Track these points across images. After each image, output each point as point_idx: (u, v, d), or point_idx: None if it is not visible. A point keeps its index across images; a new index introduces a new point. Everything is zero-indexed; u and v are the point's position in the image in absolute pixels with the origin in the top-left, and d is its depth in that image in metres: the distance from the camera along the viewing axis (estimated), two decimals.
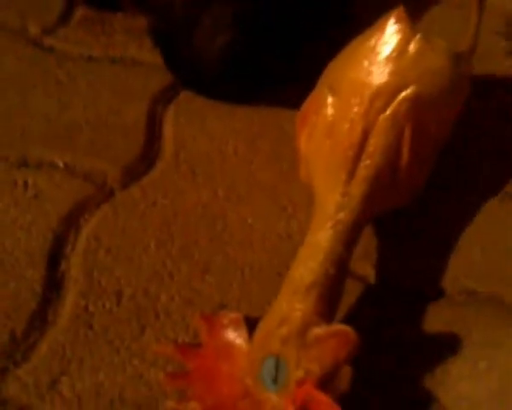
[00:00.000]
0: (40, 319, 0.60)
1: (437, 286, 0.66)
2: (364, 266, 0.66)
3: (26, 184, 0.72)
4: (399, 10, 0.71)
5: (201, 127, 0.82)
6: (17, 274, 0.63)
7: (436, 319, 0.62)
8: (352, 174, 0.60)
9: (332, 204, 0.59)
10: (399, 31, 0.68)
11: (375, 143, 0.62)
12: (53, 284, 0.63)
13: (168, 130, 0.81)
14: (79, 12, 0.99)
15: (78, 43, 0.93)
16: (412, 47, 0.67)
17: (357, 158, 0.61)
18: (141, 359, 0.57)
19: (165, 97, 0.86)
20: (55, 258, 0.65)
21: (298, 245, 0.60)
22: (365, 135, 0.62)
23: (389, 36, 0.68)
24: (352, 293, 0.63)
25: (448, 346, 0.60)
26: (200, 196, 0.73)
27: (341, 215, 0.58)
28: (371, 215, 0.64)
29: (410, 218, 0.70)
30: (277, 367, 0.48)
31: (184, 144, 0.79)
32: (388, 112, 0.63)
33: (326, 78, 0.71)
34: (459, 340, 0.60)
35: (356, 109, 0.63)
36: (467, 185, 0.77)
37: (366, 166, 0.61)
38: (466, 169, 0.78)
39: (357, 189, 0.59)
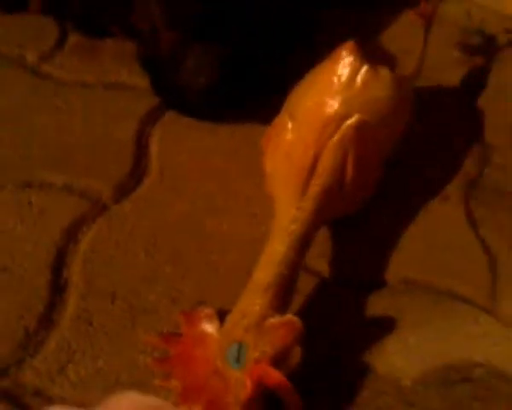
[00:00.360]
0: (48, 318, 0.69)
1: (381, 277, 0.76)
2: (320, 263, 0.77)
3: (30, 203, 0.81)
4: (350, 43, 0.80)
5: (183, 145, 0.91)
6: (26, 282, 0.72)
7: (378, 306, 0.73)
8: (304, 191, 0.71)
9: (287, 217, 0.69)
10: (349, 64, 0.78)
11: (324, 165, 0.72)
12: (57, 289, 0.72)
13: (154, 148, 0.91)
14: (72, 39, 1.07)
15: (72, 70, 1.02)
16: (359, 79, 0.76)
17: (309, 178, 0.71)
18: (133, 348, 0.67)
19: (151, 119, 0.95)
20: (58, 267, 0.74)
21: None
22: (316, 158, 0.72)
23: (341, 68, 0.78)
24: (309, 285, 0.74)
25: (385, 327, 0.71)
26: (183, 208, 0.83)
27: (294, 227, 0.68)
28: (322, 223, 0.74)
29: (360, 220, 0.80)
30: (240, 351, 0.59)
31: (168, 161, 0.89)
32: (336, 138, 0.73)
33: (287, 104, 0.80)
34: (394, 322, 0.71)
35: (309, 136, 0.74)
36: (410, 190, 0.87)
37: (316, 184, 0.71)
38: (410, 175, 0.88)
39: (309, 204, 0.70)
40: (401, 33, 1.08)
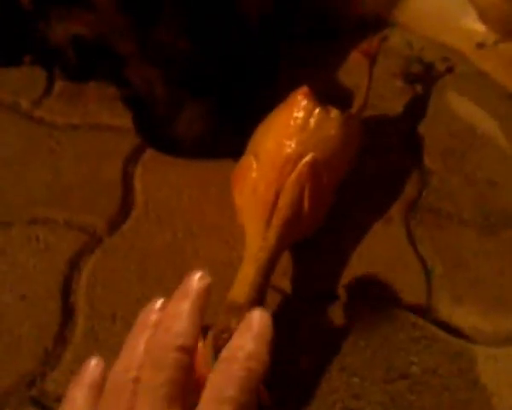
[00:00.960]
0: (62, 337, 0.82)
1: (334, 291, 0.90)
2: (283, 281, 0.89)
3: (37, 238, 0.95)
4: (304, 88, 0.91)
5: (163, 179, 1.04)
6: (41, 307, 0.86)
7: (332, 316, 0.86)
8: (268, 224, 0.80)
9: (255, 246, 0.79)
10: (303, 107, 0.86)
11: (284, 201, 0.81)
12: (67, 312, 0.85)
13: (138, 184, 1.04)
14: (59, 85, 1.21)
15: (61, 114, 1.15)
16: (312, 121, 0.85)
17: (271, 212, 0.81)
18: None
19: (134, 157, 1.08)
20: (66, 293, 0.88)
21: (237, 269, 0.82)
22: (278, 194, 0.81)
23: (296, 111, 0.86)
24: (275, 300, 0.87)
25: (339, 333, 0.84)
26: (165, 238, 0.96)
27: (261, 254, 0.78)
28: (284, 249, 0.86)
29: (315, 241, 0.91)
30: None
31: (151, 195, 1.02)
32: (293, 176, 0.82)
33: (251, 144, 0.88)
34: (347, 328, 0.85)
35: (271, 174, 0.82)
36: (357, 212, 0.98)
37: (278, 217, 0.80)
38: (357, 199, 0.99)
39: (272, 234, 0.80)
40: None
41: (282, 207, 0.82)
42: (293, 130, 0.85)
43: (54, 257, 0.92)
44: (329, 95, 1.04)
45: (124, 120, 1.12)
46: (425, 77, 1.26)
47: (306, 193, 0.83)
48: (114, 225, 0.97)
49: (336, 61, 1.27)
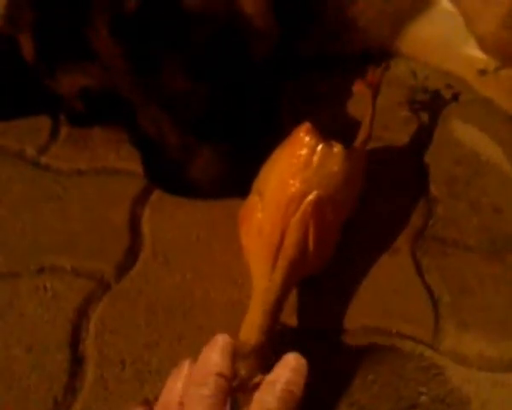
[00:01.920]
0: (72, 387, 0.82)
1: (342, 325, 0.89)
2: (290, 317, 0.89)
3: (45, 287, 0.93)
4: (306, 125, 0.89)
5: (171, 221, 1.03)
6: (50, 358, 0.85)
7: (340, 350, 0.86)
8: (274, 266, 0.80)
9: (262, 288, 0.80)
10: (306, 144, 0.84)
11: (289, 241, 0.81)
12: (76, 361, 0.84)
13: (146, 227, 1.03)
14: (64, 131, 1.20)
15: (67, 159, 1.14)
16: (315, 158, 0.84)
17: (277, 253, 0.81)
18: None
19: (141, 200, 1.07)
20: (75, 342, 0.87)
21: (246, 308, 0.81)
22: (283, 234, 0.81)
23: (299, 149, 0.85)
24: (282, 337, 0.85)
25: (346, 368, 0.84)
26: (174, 280, 0.95)
27: (268, 296, 0.79)
28: (291, 288, 0.85)
29: (321, 275, 0.91)
30: (234, 406, 0.71)
31: (159, 237, 1.01)
32: (298, 215, 0.81)
33: (256, 183, 0.87)
34: (354, 363, 0.84)
35: (276, 214, 0.82)
36: (365, 244, 0.98)
37: (283, 258, 0.80)
38: (364, 231, 0.99)
39: (278, 276, 0.80)
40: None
41: (287, 247, 0.81)
42: (296, 168, 0.84)
43: (62, 306, 0.91)
44: (333, 127, 1.09)
45: (130, 163, 1.12)
46: (430, 105, 1.25)
47: (311, 232, 0.82)
48: (122, 270, 0.96)
49: (340, 92, 1.26)
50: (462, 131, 1.19)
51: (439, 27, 1.31)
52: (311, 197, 0.83)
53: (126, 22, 0.95)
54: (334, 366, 0.84)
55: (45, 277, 0.95)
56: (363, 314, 0.89)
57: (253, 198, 0.86)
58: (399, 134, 1.17)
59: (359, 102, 1.12)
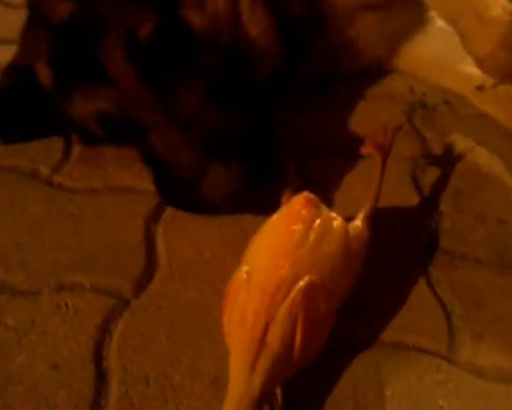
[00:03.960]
0: (97, 403, 0.81)
1: (357, 340, 0.88)
2: None
3: (66, 305, 0.92)
4: (304, 196, 0.82)
5: (184, 238, 1.03)
6: (75, 375, 0.84)
7: (357, 364, 0.85)
8: (254, 365, 0.71)
9: (238, 392, 0.71)
10: (302, 219, 0.79)
11: (274, 334, 0.72)
12: (100, 378, 0.84)
13: (160, 244, 1.03)
14: (76, 150, 1.21)
15: (80, 178, 1.15)
16: (312, 235, 0.77)
17: (259, 349, 0.72)
18: None
19: (155, 216, 1.08)
20: (98, 359, 0.86)
21: None
22: (266, 327, 0.72)
23: (294, 223, 0.78)
24: None
25: (363, 382, 0.83)
26: (191, 295, 0.94)
27: (243, 403, 0.70)
28: (273, 391, 0.75)
29: None
30: None
31: (174, 254, 1.01)
32: (285, 304, 0.73)
33: (246, 255, 0.81)
34: (371, 377, 0.84)
35: (261, 301, 0.74)
36: (377, 265, 0.96)
37: (266, 355, 0.71)
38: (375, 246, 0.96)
39: (258, 379, 0.71)
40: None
41: (271, 342, 0.72)
42: (289, 246, 0.77)
43: (83, 323, 0.90)
44: (334, 143, 1.13)
45: (141, 181, 1.12)
46: (429, 121, 1.26)
47: (300, 325, 0.73)
48: (140, 286, 0.96)
49: (341, 108, 1.28)
50: (462, 145, 1.20)
51: (435, 45, 1.33)
52: (302, 284, 0.74)
53: (141, 47, 0.96)
54: (350, 380, 0.83)
55: (65, 294, 0.94)
56: (378, 328, 0.88)
57: (239, 274, 0.79)
58: (400, 148, 1.15)
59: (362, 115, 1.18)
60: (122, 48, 0.96)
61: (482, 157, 1.16)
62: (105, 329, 0.89)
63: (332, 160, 1.15)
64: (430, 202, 1.07)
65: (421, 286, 0.93)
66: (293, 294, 0.73)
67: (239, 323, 0.74)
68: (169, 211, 1.07)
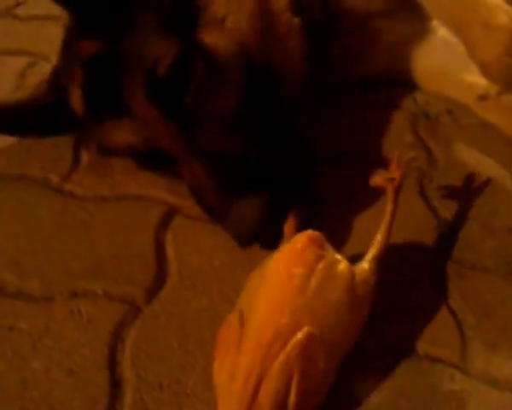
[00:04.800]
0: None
1: (369, 349, 0.87)
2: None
3: (79, 311, 0.93)
4: (308, 234, 0.76)
5: (194, 245, 1.03)
6: (90, 381, 0.84)
7: (369, 373, 0.85)
8: None
9: None
10: (304, 262, 0.72)
11: (267, 392, 0.66)
12: (115, 384, 0.83)
13: (170, 252, 1.03)
14: (85, 159, 1.21)
15: (90, 187, 1.15)
16: (313, 280, 0.71)
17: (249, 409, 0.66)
18: None
19: (164, 224, 1.08)
20: (112, 365, 0.86)
21: None
22: (259, 383, 0.66)
23: (295, 265, 0.72)
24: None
25: (376, 391, 0.83)
26: (202, 302, 0.94)
27: None
28: None
29: None
30: None
31: (184, 262, 1.01)
32: (281, 357, 0.67)
33: (242, 297, 0.78)
34: (384, 386, 0.83)
35: (256, 353, 0.68)
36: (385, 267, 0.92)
37: None
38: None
39: None
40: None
41: (262, 401, 0.66)
42: (288, 291, 0.70)
43: (97, 329, 0.90)
44: (337, 153, 1.13)
45: (150, 189, 1.13)
46: (432, 131, 1.25)
47: (295, 382, 0.66)
48: (151, 293, 0.96)
49: (343, 119, 1.29)
50: (467, 155, 1.19)
51: (437, 55, 1.33)
52: (299, 336, 0.68)
53: (160, 83, 0.95)
54: (362, 389, 0.83)
55: (79, 301, 0.94)
56: (390, 337, 0.88)
57: (233, 320, 0.74)
58: (405, 158, 1.15)
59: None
60: (142, 86, 0.95)
61: (486, 166, 1.16)
62: (118, 335, 0.89)
63: (336, 171, 1.16)
64: (437, 211, 1.06)
65: (431, 295, 0.93)
66: (289, 347, 0.67)
67: (228, 379, 0.69)
68: (178, 219, 1.08)
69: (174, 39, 0.95)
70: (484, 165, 1.16)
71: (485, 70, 1.11)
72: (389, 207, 0.83)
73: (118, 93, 0.96)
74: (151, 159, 1.03)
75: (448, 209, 1.06)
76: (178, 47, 0.95)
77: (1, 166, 1.18)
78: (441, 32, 1.29)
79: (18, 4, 1.70)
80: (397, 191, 0.83)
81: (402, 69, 1.36)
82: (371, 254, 0.79)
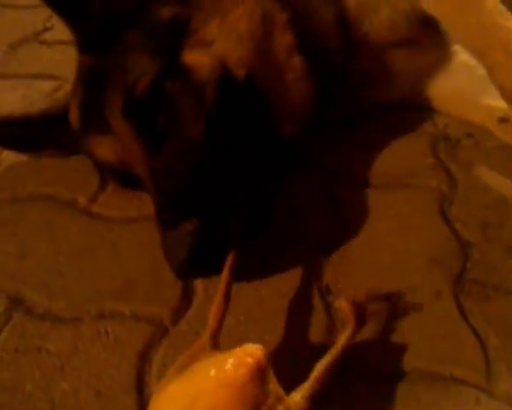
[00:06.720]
0: None
1: (394, 369, 0.86)
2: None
3: (106, 332, 0.91)
4: (254, 355, 0.67)
5: None
6: (118, 402, 0.82)
7: (394, 394, 0.83)
8: None
9: None
10: (245, 399, 0.63)
11: None
12: (143, 405, 0.81)
13: None
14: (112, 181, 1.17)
15: (117, 208, 1.13)
16: None
17: None
18: None
19: None
20: (140, 386, 0.84)
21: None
22: None
23: (235, 399, 0.63)
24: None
25: None
26: (229, 322, 0.90)
27: None
28: None
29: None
30: None
31: (210, 281, 0.98)
32: None
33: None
34: (413, 408, 0.81)
35: None
36: (407, 288, 0.95)
37: None
38: (404, 274, 0.97)
39: None
40: None
41: None
42: None
43: (124, 350, 0.88)
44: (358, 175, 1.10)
45: None
46: (452, 153, 1.22)
47: None
48: (178, 313, 0.94)
49: (363, 141, 1.27)
50: (488, 177, 1.17)
51: (458, 79, 1.31)
52: None
53: (137, 102, 0.95)
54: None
55: (106, 322, 0.92)
56: (415, 358, 0.86)
57: None
58: (428, 180, 1.15)
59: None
60: (120, 101, 0.95)
61: (508, 188, 1.14)
62: (145, 356, 0.87)
63: (356, 192, 1.14)
64: (458, 233, 1.03)
65: (453, 316, 0.91)
66: None
67: None
68: None
69: (158, 58, 0.96)
70: (504, 186, 1.14)
71: (504, 93, 1.08)
72: (340, 337, 0.79)
73: (100, 111, 0.96)
74: (126, 181, 1.03)
75: (469, 231, 1.04)
76: (160, 66, 0.95)
77: (29, 187, 1.17)
78: (462, 56, 1.28)
79: (45, 29, 1.68)
80: (357, 323, 0.81)
81: (422, 93, 1.35)
82: (307, 388, 0.70)
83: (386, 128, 1.29)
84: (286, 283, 0.94)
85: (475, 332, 0.88)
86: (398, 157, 1.20)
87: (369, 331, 0.87)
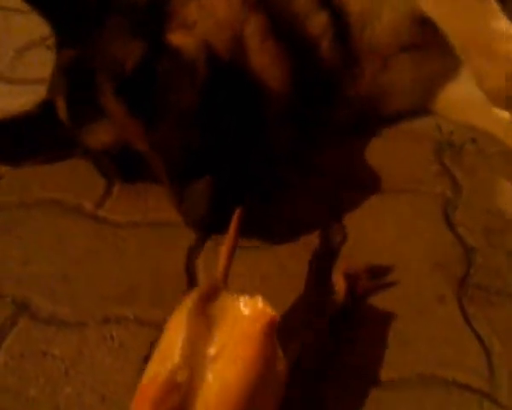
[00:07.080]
0: None
1: (397, 374, 0.85)
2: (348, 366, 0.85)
3: (111, 336, 0.90)
4: (269, 318, 0.74)
5: None
6: (123, 407, 0.80)
7: (397, 399, 0.82)
8: None
9: None
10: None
11: None
12: None
13: (201, 277, 1.01)
14: (117, 186, 1.19)
15: (123, 212, 1.13)
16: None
17: None
18: None
19: (195, 249, 1.05)
20: None
21: None
22: None
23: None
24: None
25: None
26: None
27: None
28: None
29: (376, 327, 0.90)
30: None
31: None
32: None
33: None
34: None
35: None
36: (409, 292, 0.95)
37: None
38: (408, 278, 0.97)
39: None
40: None
41: None
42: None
43: (129, 355, 0.88)
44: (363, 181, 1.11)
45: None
46: (457, 161, 1.22)
47: None
48: None
49: (369, 146, 1.26)
50: (491, 183, 1.16)
51: (464, 86, 1.30)
52: None
53: (127, 82, 0.98)
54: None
55: (111, 326, 0.92)
56: (417, 362, 0.85)
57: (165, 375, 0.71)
58: (433, 187, 1.15)
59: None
60: (111, 83, 0.98)
61: (510, 194, 1.13)
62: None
63: (361, 196, 1.13)
64: (462, 239, 1.02)
65: (457, 321, 0.91)
66: None
67: None
68: (209, 244, 1.05)
69: (142, 40, 1.00)
70: (508, 192, 1.14)
71: (492, 98, 1.09)
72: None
73: (92, 96, 0.99)
74: (125, 162, 1.05)
75: (473, 236, 1.03)
76: (146, 47, 0.99)
77: (35, 191, 1.17)
78: None
79: (52, 34, 1.65)
80: (349, 290, 0.86)
81: (428, 99, 1.33)
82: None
83: (390, 134, 1.28)
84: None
85: (479, 337, 0.87)
86: (404, 163, 1.19)
87: (370, 334, 0.87)
